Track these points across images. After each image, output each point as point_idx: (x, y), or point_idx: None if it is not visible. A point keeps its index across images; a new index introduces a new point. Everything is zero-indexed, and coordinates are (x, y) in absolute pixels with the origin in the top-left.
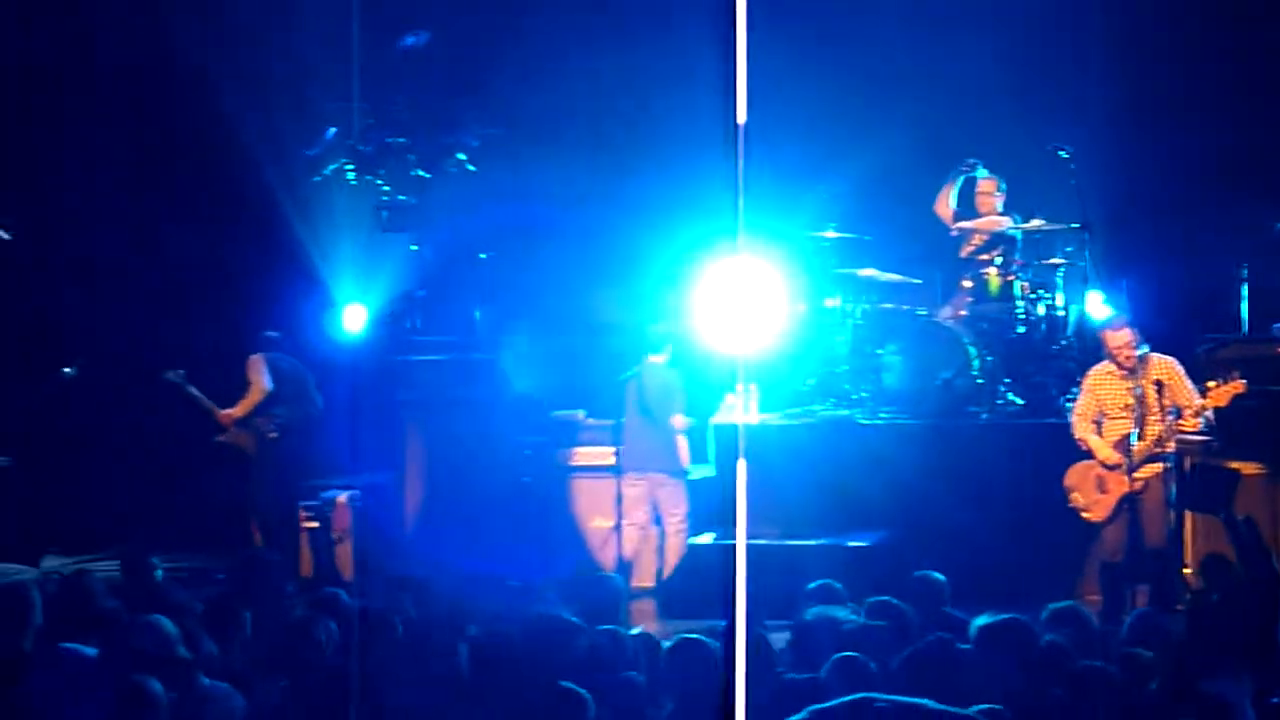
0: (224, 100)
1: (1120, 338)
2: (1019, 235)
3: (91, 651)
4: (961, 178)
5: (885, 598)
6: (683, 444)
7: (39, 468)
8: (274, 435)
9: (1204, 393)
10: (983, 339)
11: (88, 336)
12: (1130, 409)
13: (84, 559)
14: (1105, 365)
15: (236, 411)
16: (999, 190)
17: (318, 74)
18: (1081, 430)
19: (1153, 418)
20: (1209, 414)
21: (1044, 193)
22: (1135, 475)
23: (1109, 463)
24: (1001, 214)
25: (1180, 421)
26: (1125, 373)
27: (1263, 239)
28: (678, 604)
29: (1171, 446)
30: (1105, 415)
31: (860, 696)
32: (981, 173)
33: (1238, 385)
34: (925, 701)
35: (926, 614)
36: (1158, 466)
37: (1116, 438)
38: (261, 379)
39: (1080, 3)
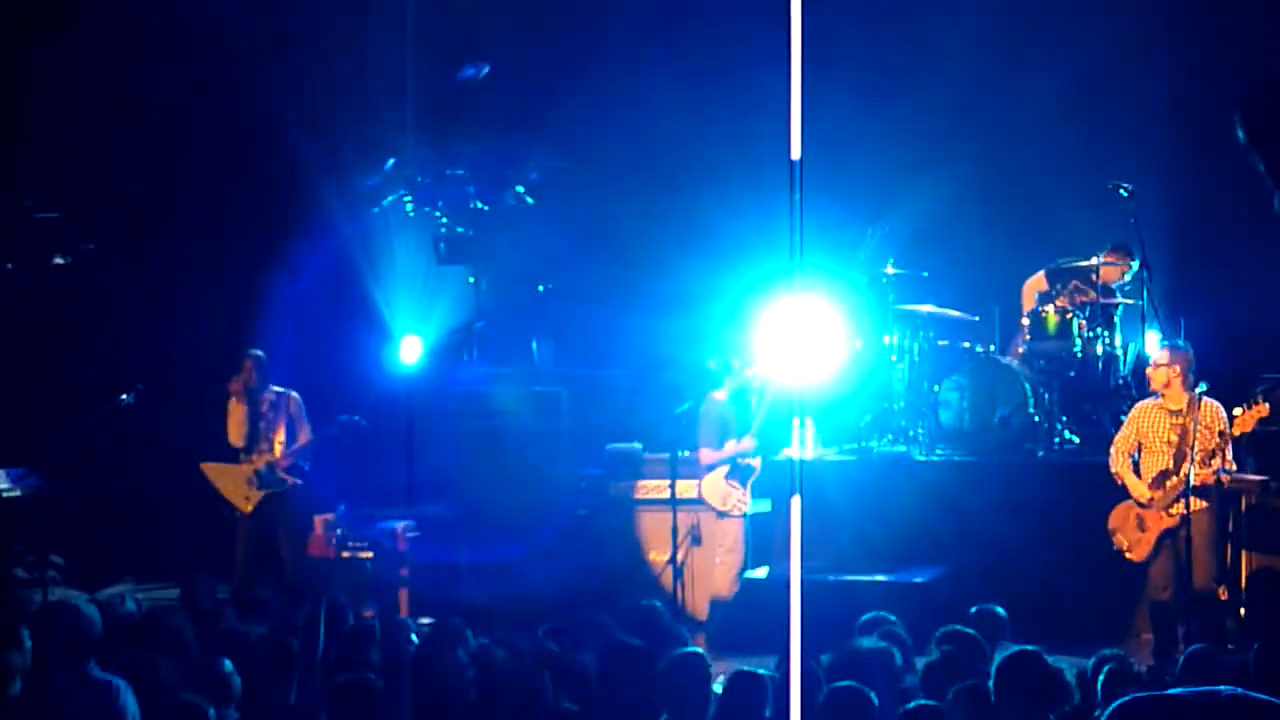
0: (285, 129)
1: (1160, 356)
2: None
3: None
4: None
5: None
6: (714, 478)
7: (94, 496)
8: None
9: (1231, 421)
10: (1040, 376)
11: (148, 364)
12: (1171, 444)
13: (144, 586)
14: (1150, 400)
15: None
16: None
17: (377, 105)
18: (1117, 464)
19: (1193, 455)
20: (1230, 450)
21: (1104, 230)
22: (1171, 510)
23: (1142, 499)
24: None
25: (1207, 469)
26: (1170, 410)
27: None
28: (733, 638)
29: (1210, 480)
30: (1144, 448)
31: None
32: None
33: (1262, 409)
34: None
35: (988, 648)
36: (1198, 504)
37: (1154, 473)
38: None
39: (1141, 41)
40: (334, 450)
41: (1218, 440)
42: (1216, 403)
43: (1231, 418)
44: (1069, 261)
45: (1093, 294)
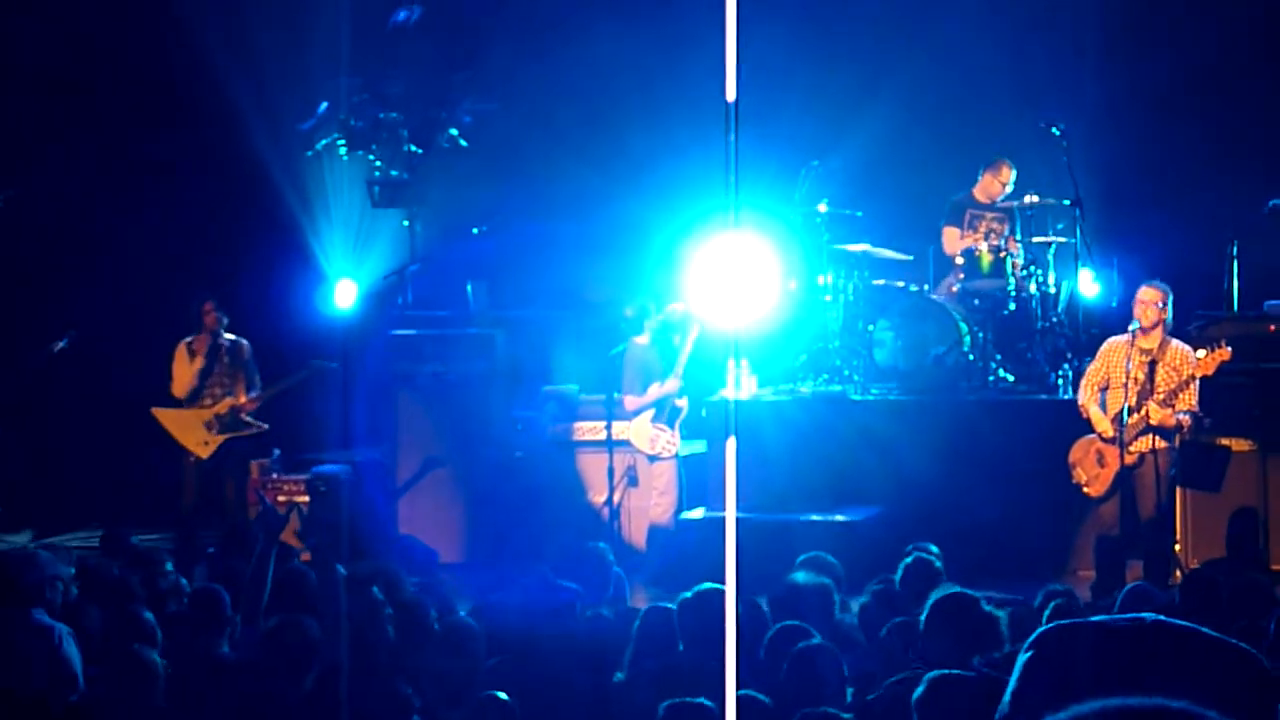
0: (217, 73)
1: (1148, 294)
2: (1016, 212)
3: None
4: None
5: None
6: (640, 423)
7: (30, 440)
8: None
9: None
10: (974, 315)
11: (79, 309)
12: (1137, 382)
13: (73, 534)
14: (1123, 336)
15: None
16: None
17: (311, 48)
18: (1084, 396)
19: (1156, 395)
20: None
21: (1036, 169)
22: (1130, 449)
23: (1105, 435)
24: (1014, 196)
25: (1168, 409)
26: (1142, 348)
27: (1253, 216)
28: (667, 579)
29: (1171, 421)
30: (1110, 384)
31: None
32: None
33: (1224, 353)
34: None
35: (921, 588)
36: (1159, 443)
37: (1118, 409)
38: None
39: None
40: (302, 395)
41: (1182, 381)
42: (1185, 344)
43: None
44: (953, 199)
45: (990, 216)
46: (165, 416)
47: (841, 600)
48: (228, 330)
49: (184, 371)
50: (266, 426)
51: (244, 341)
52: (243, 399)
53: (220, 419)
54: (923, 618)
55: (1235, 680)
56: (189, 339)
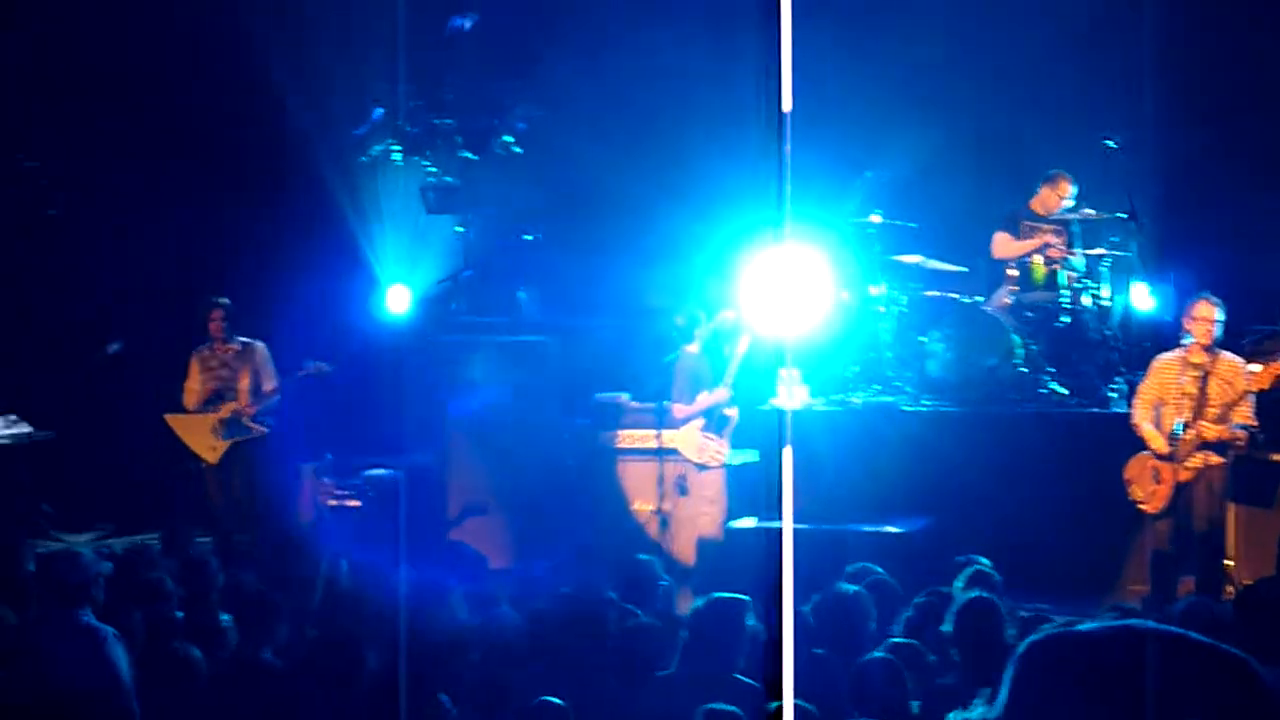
0: (272, 79)
1: (1208, 310)
2: (1075, 224)
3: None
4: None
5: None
6: (689, 431)
7: (83, 442)
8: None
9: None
10: (1027, 327)
11: (134, 312)
12: (1190, 397)
13: (127, 535)
14: (1173, 353)
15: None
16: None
17: (366, 55)
18: (1139, 415)
19: (1209, 410)
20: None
21: (1090, 182)
22: (1185, 465)
23: (1160, 452)
24: (1070, 210)
25: (1223, 424)
26: (1193, 363)
27: None
28: (715, 588)
29: (1226, 436)
30: (1163, 402)
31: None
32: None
33: (1278, 366)
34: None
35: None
36: (1214, 459)
37: (1170, 426)
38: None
39: None
40: (304, 398)
41: (1237, 395)
42: (1237, 358)
43: (1250, 374)
44: (1010, 208)
45: (1046, 228)
46: (176, 422)
47: (888, 611)
48: (242, 335)
49: (192, 383)
50: (267, 430)
51: (257, 344)
52: (245, 403)
53: (225, 423)
54: (948, 627)
55: (1228, 686)
56: (201, 348)
